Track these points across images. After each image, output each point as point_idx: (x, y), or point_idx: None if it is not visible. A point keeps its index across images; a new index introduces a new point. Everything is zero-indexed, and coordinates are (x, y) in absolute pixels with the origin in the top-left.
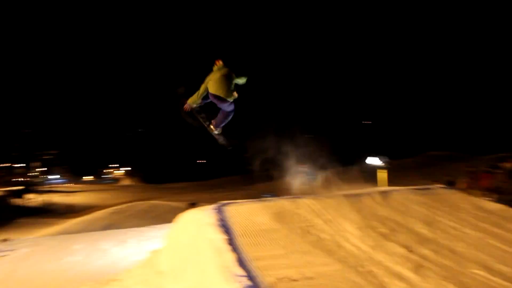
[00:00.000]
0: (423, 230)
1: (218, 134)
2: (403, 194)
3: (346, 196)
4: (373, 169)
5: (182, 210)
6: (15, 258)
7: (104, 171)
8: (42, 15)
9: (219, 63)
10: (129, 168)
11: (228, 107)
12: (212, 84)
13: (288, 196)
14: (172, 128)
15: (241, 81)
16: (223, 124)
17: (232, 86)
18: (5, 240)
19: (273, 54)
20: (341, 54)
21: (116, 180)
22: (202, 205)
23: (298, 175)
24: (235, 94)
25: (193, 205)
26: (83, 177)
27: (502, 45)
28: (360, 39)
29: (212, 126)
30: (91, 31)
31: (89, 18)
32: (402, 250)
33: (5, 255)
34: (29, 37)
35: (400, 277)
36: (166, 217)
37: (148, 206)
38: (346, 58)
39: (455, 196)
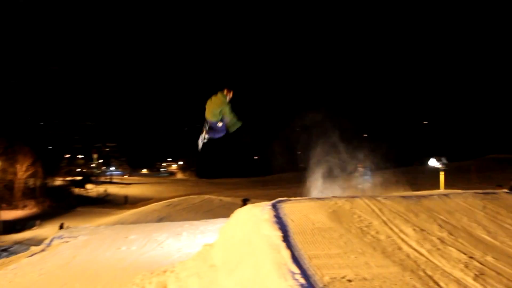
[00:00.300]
0: (485, 236)
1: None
2: (464, 197)
3: (404, 197)
4: (434, 170)
5: (235, 205)
6: (75, 245)
7: (160, 164)
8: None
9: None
10: (182, 162)
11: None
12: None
13: (345, 196)
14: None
15: (229, 118)
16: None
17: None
18: (67, 227)
19: (337, 55)
20: (403, 55)
21: (171, 173)
22: (255, 202)
23: (356, 175)
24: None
25: (245, 201)
26: (140, 170)
27: None
28: (424, 39)
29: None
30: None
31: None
32: (461, 256)
33: (66, 242)
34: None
35: (459, 283)
36: (218, 211)
37: (201, 200)
38: (408, 59)
39: None
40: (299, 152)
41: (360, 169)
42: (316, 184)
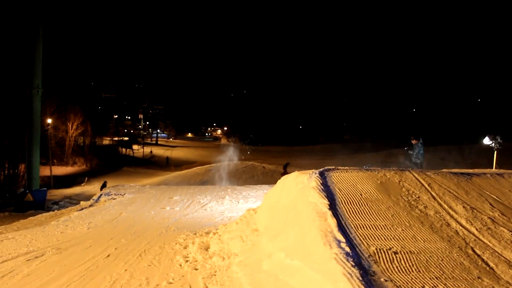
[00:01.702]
0: None
1: None
2: None
3: (455, 174)
4: (489, 149)
5: (277, 173)
6: (121, 202)
7: (205, 129)
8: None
9: None
10: (227, 128)
11: None
12: None
13: (394, 168)
14: (277, 92)
15: None
16: None
17: None
18: (116, 185)
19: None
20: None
21: (215, 138)
22: (298, 170)
23: (407, 150)
24: None
25: (287, 165)
26: (185, 134)
27: None
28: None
29: None
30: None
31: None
32: (508, 235)
33: (114, 199)
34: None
35: (510, 265)
36: (261, 178)
37: (245, 166)
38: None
39: None
40: (344, 124)
41: (414, 144)
42: (364, 156)
